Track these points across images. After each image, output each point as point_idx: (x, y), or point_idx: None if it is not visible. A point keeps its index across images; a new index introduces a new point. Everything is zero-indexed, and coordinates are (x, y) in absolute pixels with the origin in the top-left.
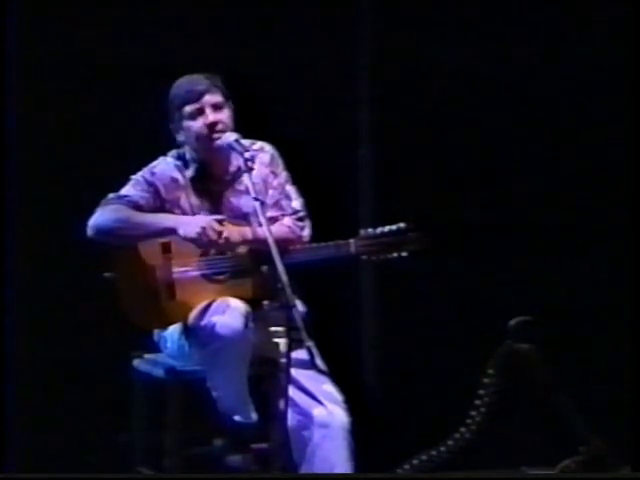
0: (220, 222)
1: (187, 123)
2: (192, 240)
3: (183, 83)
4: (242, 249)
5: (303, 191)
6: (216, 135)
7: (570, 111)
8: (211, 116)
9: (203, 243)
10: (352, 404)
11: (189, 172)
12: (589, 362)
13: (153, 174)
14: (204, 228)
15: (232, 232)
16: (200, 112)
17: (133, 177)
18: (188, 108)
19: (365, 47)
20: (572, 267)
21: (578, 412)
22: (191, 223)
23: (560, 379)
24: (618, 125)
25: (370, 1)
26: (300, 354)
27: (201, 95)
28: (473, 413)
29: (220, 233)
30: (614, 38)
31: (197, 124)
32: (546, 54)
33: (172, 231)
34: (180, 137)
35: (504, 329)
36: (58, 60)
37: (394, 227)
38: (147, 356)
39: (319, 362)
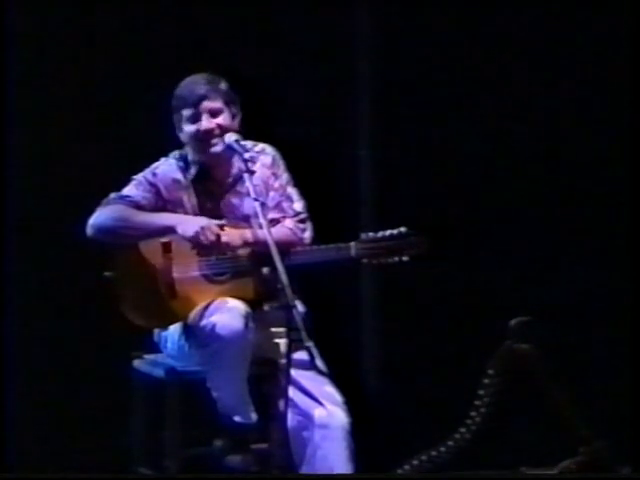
0: (221, 227)
1: (185, 126)
2: (190, 239)
3: (184, 85)
4: (243, 251)
5: (304, 193)
6: (213, 141)
7: (570, 111)
8: (206, 122)
9: (200, 243)
10: (352, 404)
11: (191, 173)
12: (589, 362)
13: (155, 175)
14: (203, 228)
15: (233, 235)
16: (197, 118)
17: (135, 177)
18: (185, 112)
19: (365, 47)
20: (572, 267)
21: (578, 412)
22: (190, 222)
23: (560, 379)
24: (618, 124)
25: (370, 1)
26: (300, 355)
27: (199, 100)
28: (473, 413)
29: (218, 236)
30: (613, 40)
31: (193, 129)
32: (546, 55)
33: (171, 230)
34: (182, 137)
35: (504, 329)
36: (59, 59)
37: (395, 231)
38: (147, 356)
39: (319, 362)
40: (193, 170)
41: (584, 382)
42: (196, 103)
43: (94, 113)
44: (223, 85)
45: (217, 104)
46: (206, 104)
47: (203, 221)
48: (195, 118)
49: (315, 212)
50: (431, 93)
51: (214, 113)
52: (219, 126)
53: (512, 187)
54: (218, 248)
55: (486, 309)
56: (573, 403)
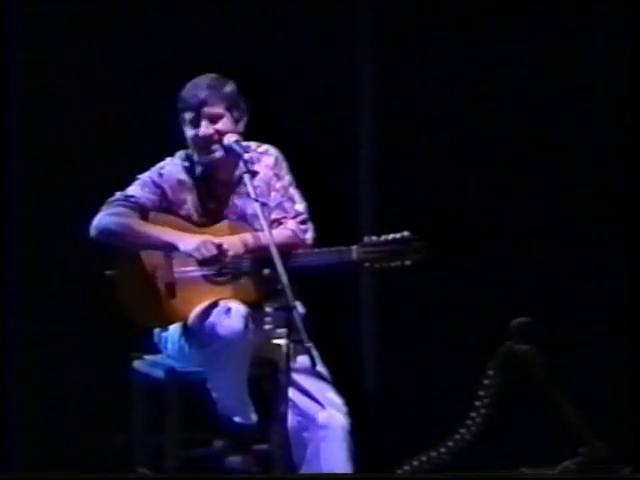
0: (220, 247)
1: (187, 129)
2: (192, 254)
3: (187, 88)
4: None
5: (306, 195)
6: (212, 147)
7: (570, 111)
8: (204, 129)
9: (201, 258)
10: (352, 405)
11: (195, 174)
12: (589, 362)
13: (161, 175)
14: (204, 242)
15: (234, 244)
16: (197, 123)
17: (140, 177)
18: (187, 116)
19: (365, 47)
20: (572, 268)
21: (578, 413)
22: (189, 238)
23: (560, 380)
24: (618, 124)
25: (370, 2)
26: (302, 359)
27: (199, 105)
28: (473, 414)
29: (220, 248)
30: (614, 40)
31: (193, 133)
32: (547, 56)
33: (173, 246)
34: (186, 138)
35: (504, 330)
36: (59, 57)
37: (398, 235)
38: (147, 357)
39: (319, 364)
40: (198, 171)
41: (584, 382)
42: (196, 108)
43: (96, 111)
44: (228, 88)
45: (217, 109)
46: (206, 110)
47: (202, 236)
48: (195, 123)
49: (316, 215)
50: (433, 94)
51: (214, 119)
52: (217, 132)
53: (512, 189)
54: (221, 259)
55: (486, 310)
56: (573, 403)
